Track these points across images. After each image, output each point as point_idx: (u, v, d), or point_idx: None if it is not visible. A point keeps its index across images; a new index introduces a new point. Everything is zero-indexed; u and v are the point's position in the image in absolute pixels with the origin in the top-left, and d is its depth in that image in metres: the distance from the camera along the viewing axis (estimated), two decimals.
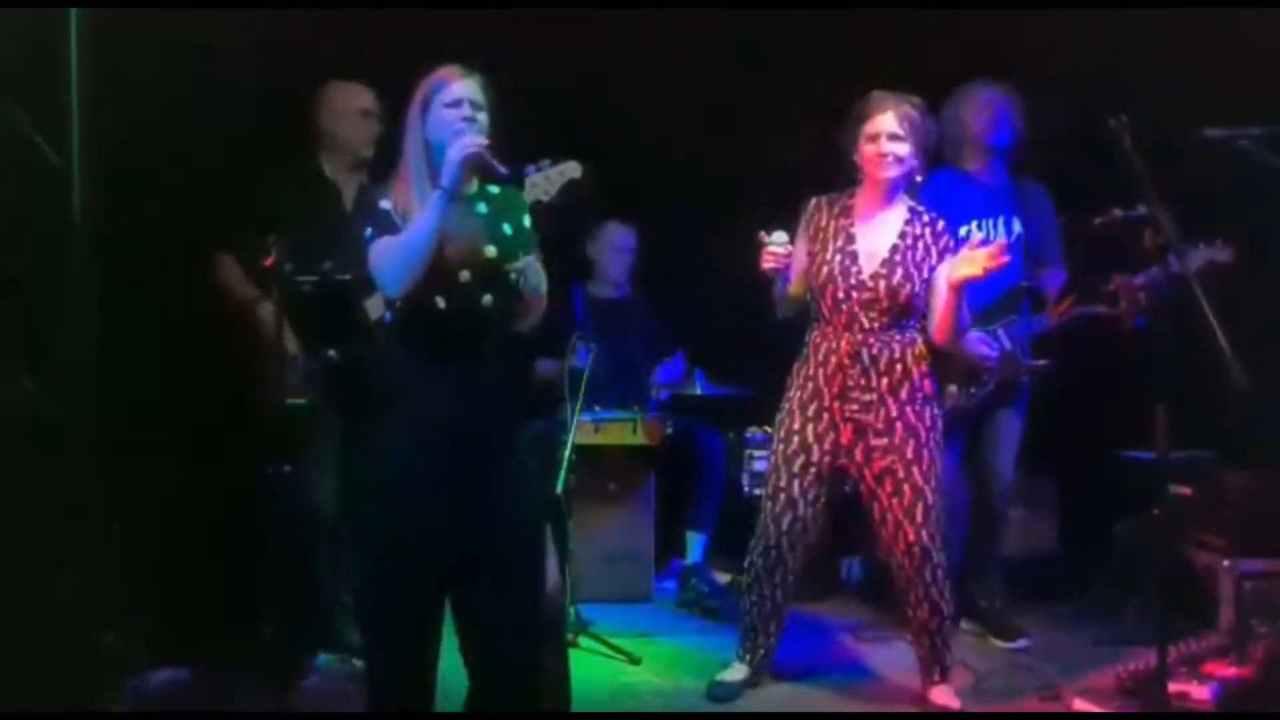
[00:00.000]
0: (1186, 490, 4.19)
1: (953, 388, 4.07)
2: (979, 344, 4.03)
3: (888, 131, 3.41)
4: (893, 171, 3.44)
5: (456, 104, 2.78)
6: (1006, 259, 3.28)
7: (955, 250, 3.48)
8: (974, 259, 3.29)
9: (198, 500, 3.83)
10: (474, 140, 2.71)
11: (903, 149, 3.42)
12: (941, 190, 4.11)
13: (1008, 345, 4.07)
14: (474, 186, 2.90)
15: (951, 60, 4.51)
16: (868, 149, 3.44)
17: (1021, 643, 4.15)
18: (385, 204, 2.81)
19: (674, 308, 5.06)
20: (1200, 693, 3.32)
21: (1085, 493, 4.77)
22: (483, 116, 2.80)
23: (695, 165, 4.89)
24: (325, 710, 3.40)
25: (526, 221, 2.96)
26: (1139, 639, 3.92)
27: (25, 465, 3.10)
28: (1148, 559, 4.12)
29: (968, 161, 4.18)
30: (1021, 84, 4.12)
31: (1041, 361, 4.13)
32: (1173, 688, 3.23)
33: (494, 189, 2.95)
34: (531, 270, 2.85)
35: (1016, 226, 4.18)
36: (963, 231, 4.11)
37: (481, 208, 2.87)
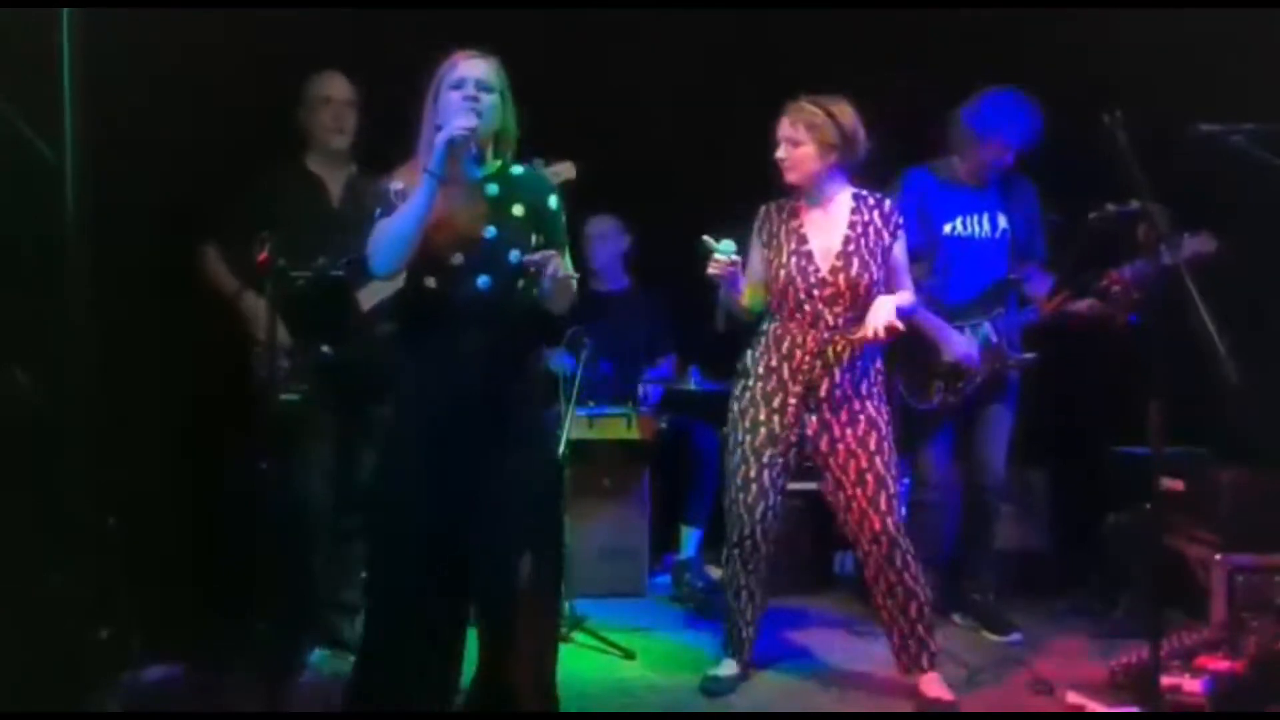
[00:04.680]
0: (1179, 485, 4.21)
1: (938, 383, 4.08)
2: (960, 345, 4.03)
3: (780, 137, 3.50)
4: (790, 177, 3.51)
5: (460, 85, 2.79)
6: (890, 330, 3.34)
7: (905, 228, 3.56)
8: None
9: (192, 496, 3.83)
10: (460, 124, 2.70)
11: (797, 153, 3.47)
12: (925, 188, 4.12)
13: (995, 339, 4.08)
14: (492, 166, 2.89)
15: (947, 59, 4.51)
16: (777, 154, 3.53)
17: (1014, 636, 4.16)
18: (396, 185, 2.82)
19: (668, 303, 5.06)
20: (1192, 686, 3.33)
21: (1078, 487, 4.78)
22: (489, 98, 2.80)
23: (691, 161, 4.89)
24: (321, 708, 3.39)
25: (552, 203, 2.94)
26: (1131, 633, 3.95)
27: (19, 460, 3.10)
28: (1140, 553, 4.14)
29: (963, 161, 4.17)
30: (1017, 81, 4.11)
31: (1029, 355, 4.14)
32: (1165, 681, 3.24)
33: (517, 169, 2.93)
34: (548, 275, 2.79)
35: (1002, 222, 4.19)
36: (947, 228, 4.13)
37: (492, 189, 2.86)
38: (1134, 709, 3.38)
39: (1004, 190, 4.20)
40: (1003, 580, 4.40)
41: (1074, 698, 3.51)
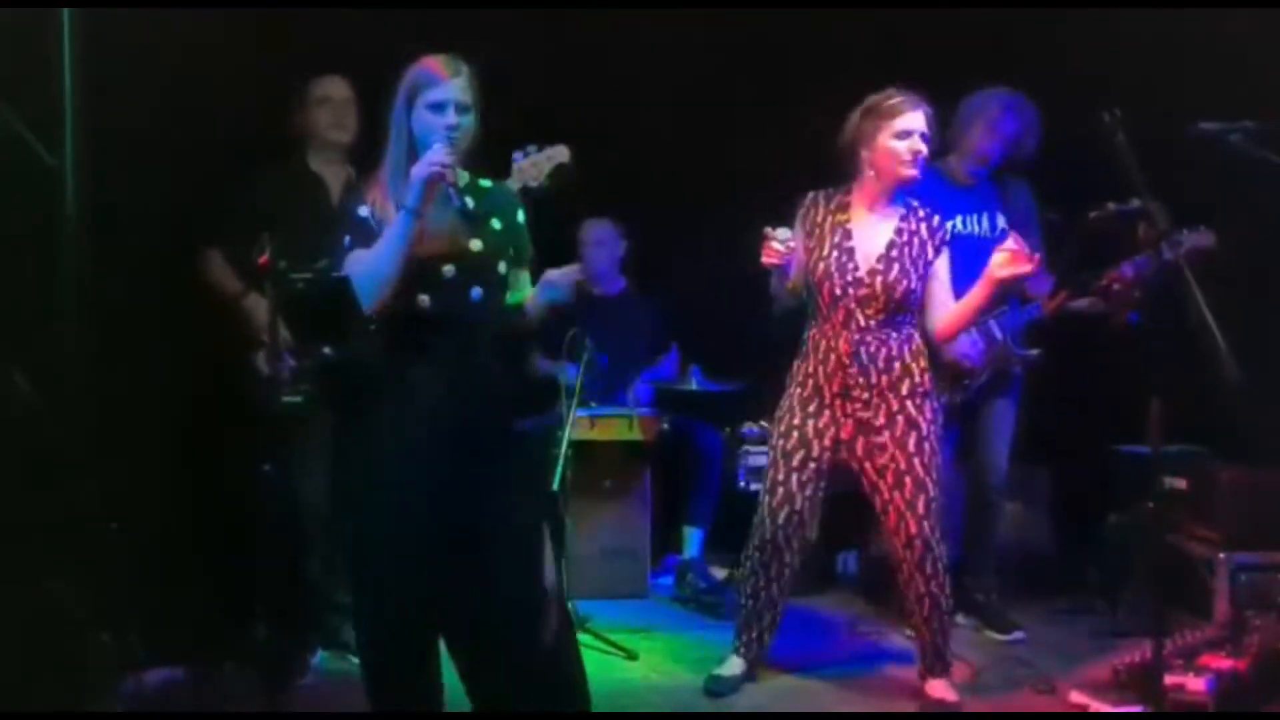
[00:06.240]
0: (1181, 484, 4.21)
1: (943, 381, 4.08)
2: (956, 343, 4.03)
3: (921, 130, 3.42)
4: (914, 170, 3.45)
5: (441, 107, 2.71)
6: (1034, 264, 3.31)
7: (950, 245, 3.53)
8: (1012, 260, 3.29)
9: (194, 499, 3.83)
10: (437, 159, 2.64)
11: (925, 150, 3.44)
12: (925, 187, 4.12)
13: (1000, 336, 4.09)
14: (463, 180, 2.87)
15: (944, 58, 4.51)
16: (895, 145, 3.42)
17: (1017, 635, 4.16)
18: (363, 210, 2.74)
19: (669, 304, 5.06)
20: (1196, 685, 3.32)
21: (1080, 486, 4.78)
22: (468, 119, 2.74)
23: (688, 161, 4.89)
24: (323, 709, 3.40)
25: (520, 218, 2.93)
26: (1134, 631, 3.96)
27: (20, 464, 3.10)
28: (1142, 552, 4.14)
29: (957, 159, 4.18)
30: (1016, 81, 4.12)
31: (1033, 352, 4.15)
32: (1168, 680, 3.25)
33: (486, 183, 2.91)
34: (533, 304, 2.86)
35: (1001, 221, 4.19)
36: (947, 226, 4.13)
37: (469, 201, 2.83)
38: (1137, 708, 3.38)
39: (1001, 190, 4.21)
40: (1005, 579, 4.40)
41: (1077, 697, 3.51)
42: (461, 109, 2.73)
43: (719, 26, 4.79)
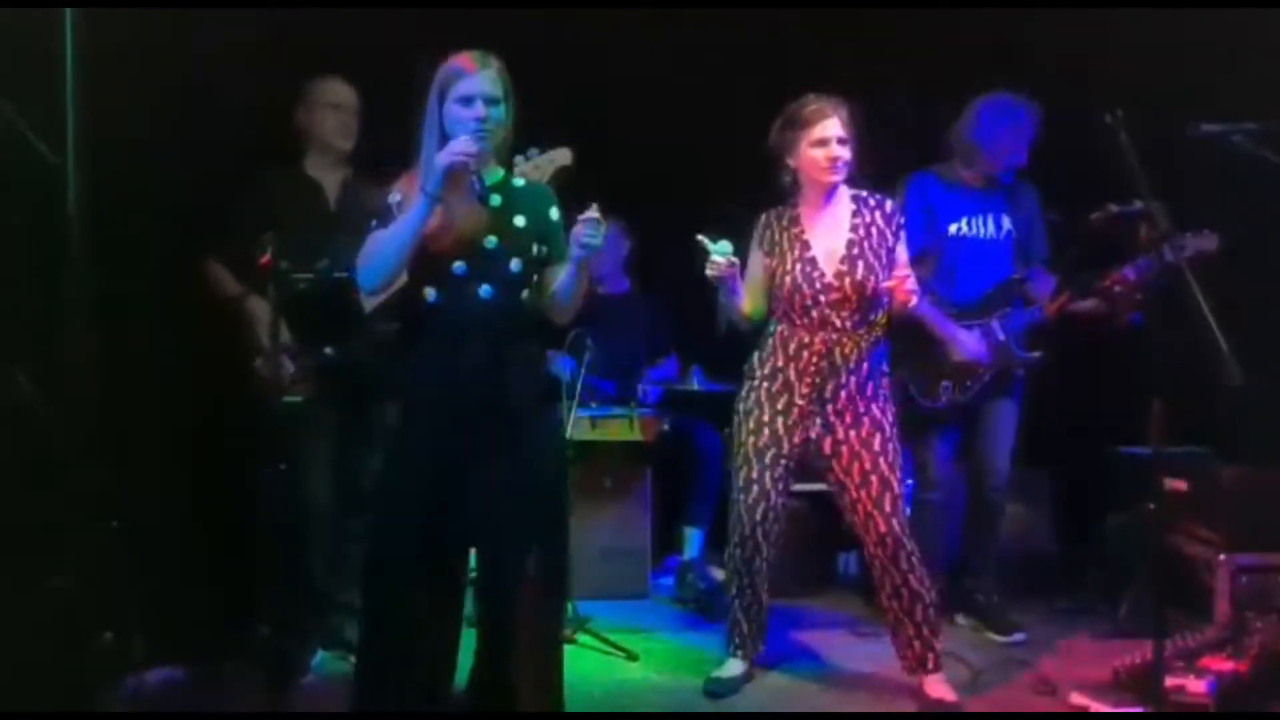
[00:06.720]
0: (1182, 485, 4.21)
1: (945, 382, 4.08)
2: (969, 344, 4.04)
3: (836, 136, 3.45)
4: (840, 176, 3.49)
5: (469, 100, 2.76)
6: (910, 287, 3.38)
7: (911, 230, 3.61)
8: (898, 293, 3.39)
9: (196, 498, 3.83)
10: (460, 149, 2.68)
11: (847, 152, 3.46)
12: (929, 190, 4.13)
13: (1002, 337, 4.09)
14: (495, 177, 2.89)
15: (948, 59, 4.51)
16: (815, 153, 3.47)
17: (1017, 637, 4.16)
18: (394, 197, 2.80)
19: (669, 304, 5.06)
20: (1196, 686, 3.32)
21: (1081, 487, 4.78)
22: (498, 111, 2.78)
23: (690, 161, 4.89)
24: (324, 708, 3.39)
25: (554, 215, 2.94)
26: (1134, 633, 3.95)
27: (23, 463, 3.10)
28: (1143, 553, 4.14)
29: (965, 166, 4.17)
30: (1017, 80, 4.12)
31: (1035, 354, 4.14)
32: (1169, 681, 3.24)
33: (519, 182, 2.93)
34: (564, 279, 2.87)
35: (1006, 222, 4.20)
36: (952, 229, 4.14)
37: (495, 200, 2.86)
38: (1138, 709, 3.38)
39: (1007, 191, 4.21)
40: (1005, 580, 4.40)
41: (1077, 698, 3.51)
42: (490, 101, 2.77)
43: (719, 26, 4.79)
